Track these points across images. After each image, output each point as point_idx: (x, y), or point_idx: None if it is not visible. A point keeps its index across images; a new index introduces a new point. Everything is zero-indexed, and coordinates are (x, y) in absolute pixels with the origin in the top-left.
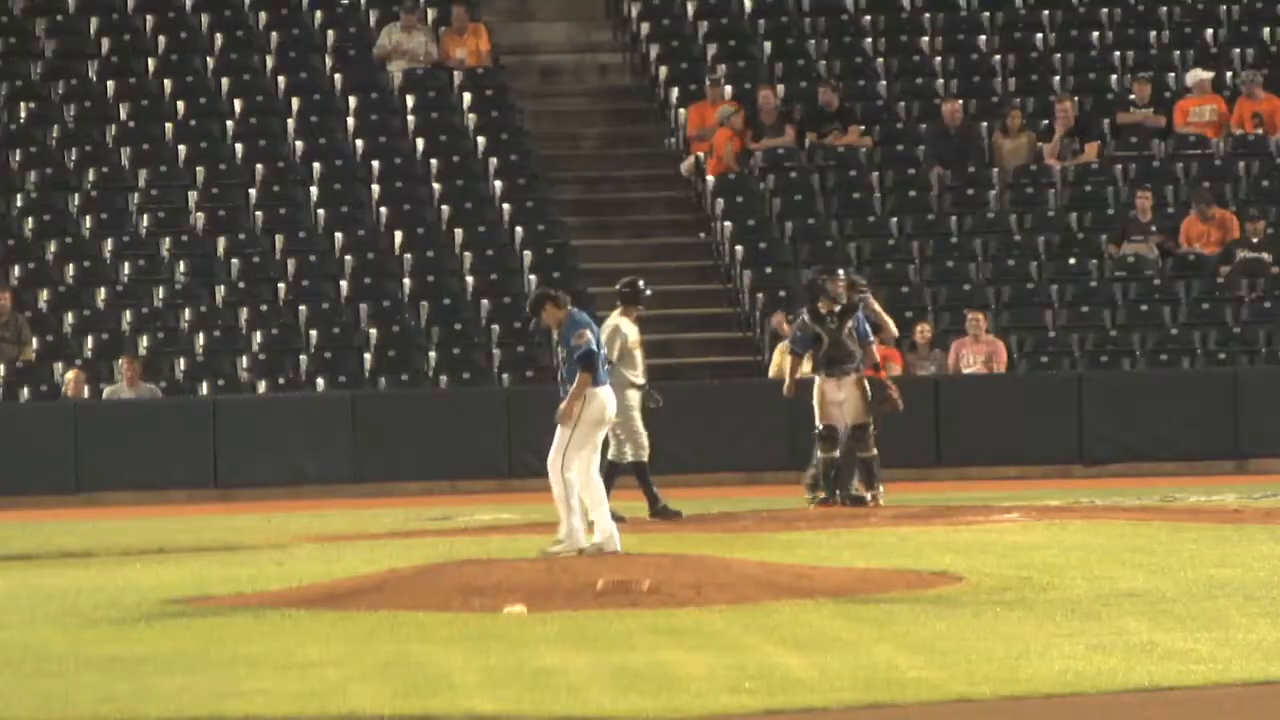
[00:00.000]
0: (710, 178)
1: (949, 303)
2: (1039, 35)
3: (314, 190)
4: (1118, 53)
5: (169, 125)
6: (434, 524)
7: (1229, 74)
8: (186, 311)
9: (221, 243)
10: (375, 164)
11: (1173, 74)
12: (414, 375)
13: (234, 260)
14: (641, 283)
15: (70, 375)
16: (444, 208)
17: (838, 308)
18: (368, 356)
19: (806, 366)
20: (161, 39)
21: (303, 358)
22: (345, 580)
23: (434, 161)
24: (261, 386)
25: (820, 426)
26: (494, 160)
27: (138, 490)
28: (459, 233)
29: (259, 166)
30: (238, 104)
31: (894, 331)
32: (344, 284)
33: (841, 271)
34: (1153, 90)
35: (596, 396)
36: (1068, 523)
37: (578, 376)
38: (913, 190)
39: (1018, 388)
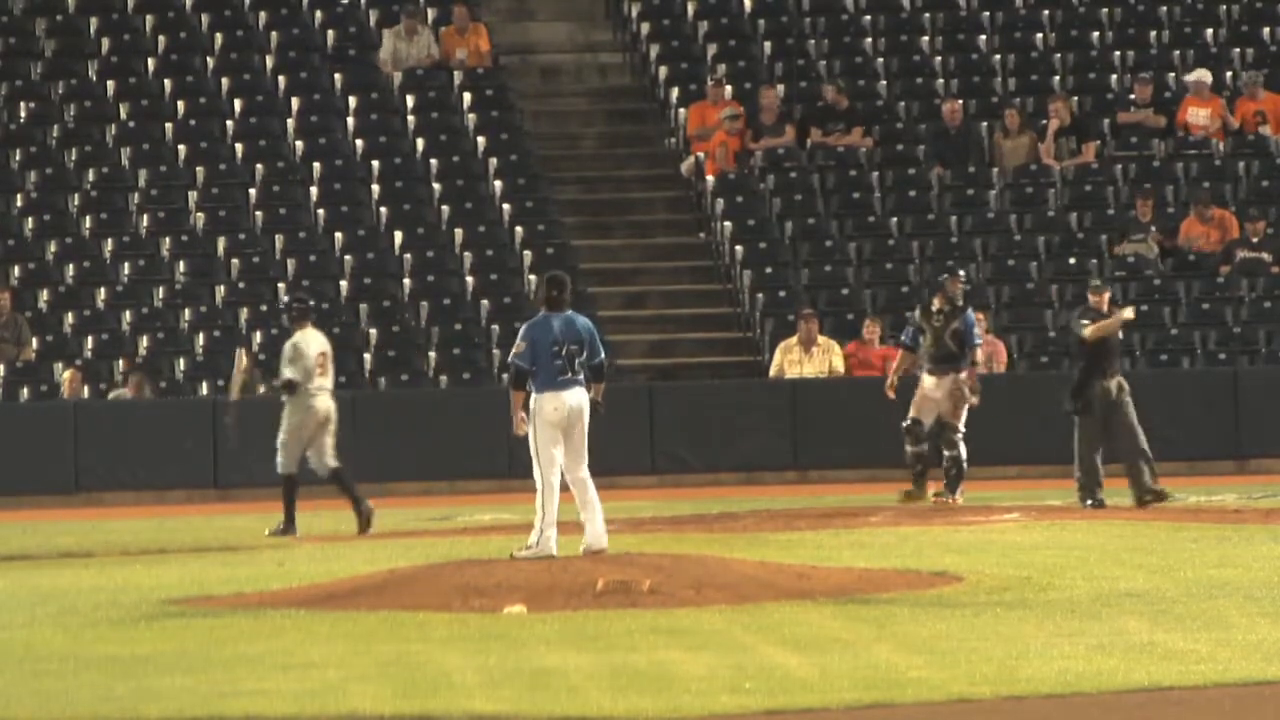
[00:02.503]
0: (710, 178)
1: None
2: (1039, 35)
3: (314, 190)
4: (1118, 53)
5: (169, 125)
6: (434, 524)
7: (1228, 74)
8: (186, 311)
9: (221, 243)
10: (375, 164)
11: (1173, 74)
12: (414, 375)
13: (234, 260)
14: (312, 301)
15: (68, 375)
16: (444, 208)
17: (948, 307)
18: (368, 356)
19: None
20: (161, 39)
21: None
22: (345, 580)
23: (434, 161)
24: (261, 387)
25: (908, 420)
26: (494, 160)
27: (138, 490)
28: (459, 233)
29: (259, 166)
30: (238, 104)
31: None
32: (344, 284)
33: (963, 274)
34: (1153, 90)
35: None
36: (1068, 523)
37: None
38: (913, 190)
39: (1018, 388)
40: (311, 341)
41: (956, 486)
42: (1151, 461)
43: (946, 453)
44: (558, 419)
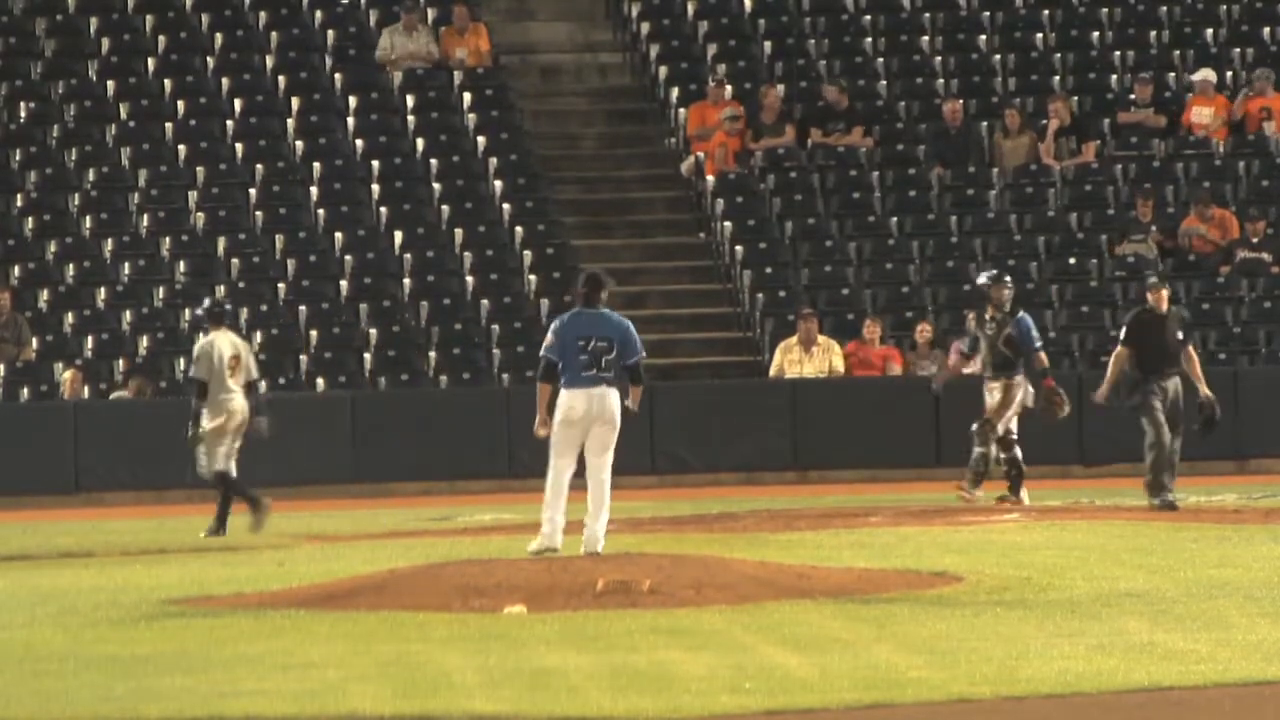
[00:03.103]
0: (710, 178)
1: (949, 303)
2: (1039, 35)
3: (314, 190)
4: (1118, 53)
5: (169, 125)
6: (434, 524)
7: (1229, 74)
8: (186, 311)
9: (221, 243)
10: (375, 164)
11: (1173, 74)
12: (414, 375)
13: (234, 260)
14: (229, 306)
15: (67, 375)
16: (444, 208)
17: (999, 314)
18: (368, 356)
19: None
20: (161, 39)
21: (303, 358)
22: (345, 580)
23: (434, 161)
24: (262, 387)
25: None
26: (494, 160)
27: (138, 490)
28: (459, 233)
29: (259, 166)
30: (238, 104)
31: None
32: (344, 284)
33: (1009, 279)
34: (1153, 90)
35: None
36: (1068, 523)
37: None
38: (913, 190)
39: None
40: (224, 344)
41: (978, 482)
42: (1174, 472)
43: (975, 448)
44: (576, 417)
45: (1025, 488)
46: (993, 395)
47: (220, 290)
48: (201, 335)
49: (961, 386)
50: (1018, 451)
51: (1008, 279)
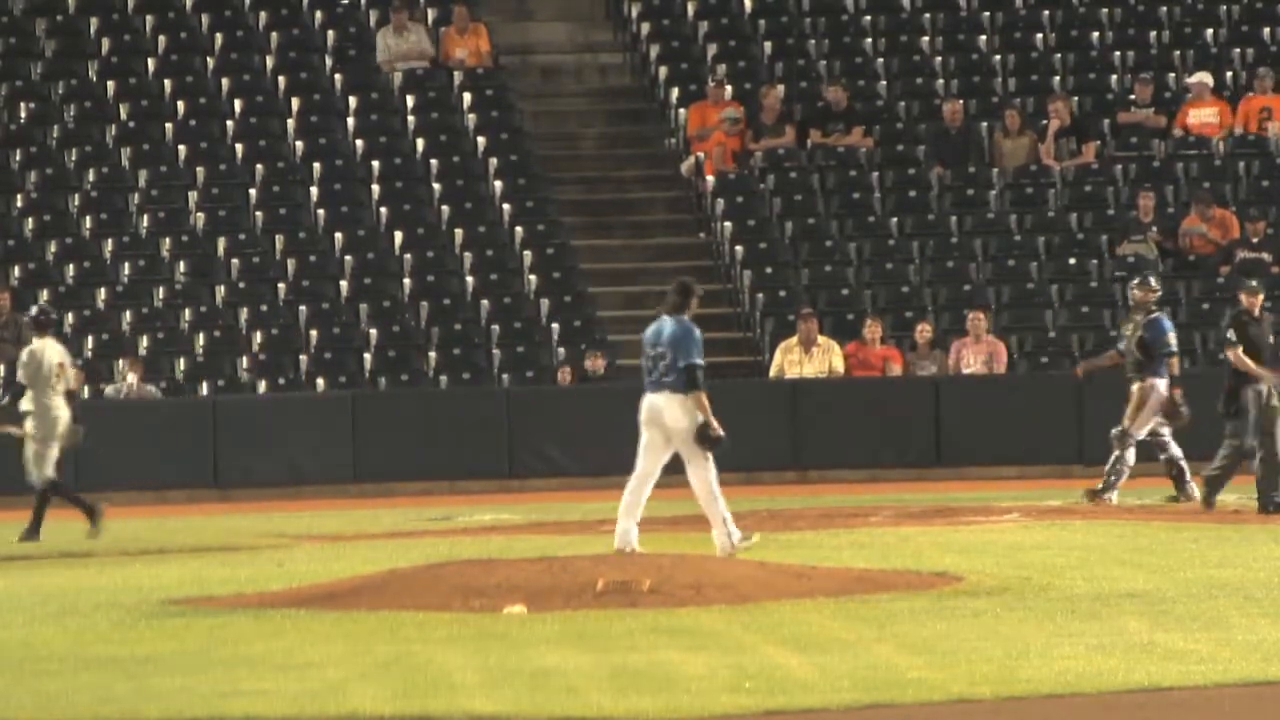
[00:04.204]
0: (710, 178)
1: (949, 303)
2: (1039, 35)
3: (314, 190)
4: (1118, 53)
5: (169, 125)
6: (434, 524)
7: (1229, 74)
8: (186, 311)
9: (221, 243)
10: (375, 164)
11: (1173, 74)
12: (414, 375)
13: (234, 260)
14: (54, 315)
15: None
16: (444, 208)
17: (1140, 315)
18: (368, 356)
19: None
20: (161, 39)
21: (303, 358)
22: (345, 580)
23: (434, 161)
24: (261, 386)
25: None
26: (494, 160)
27: (138, 490)
28: (459, 233)
29: (259, 166)
30: (238, 104)
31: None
32: (344, 284)
33: (1153, 280)
34: (1153, 90)
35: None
36: (1068, 523)
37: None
38: (913, 190)
39: (1018, 388)
40: (52, 352)
41: (1109, 486)
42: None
43: (1114, 452)
44: (644, 419)
45: (1193, 482)
46: (1132, 399)
47: (220, 290)
48: (31, 342)
49: (963, 384)
50: (1174, 450)
51: (1151, 280)
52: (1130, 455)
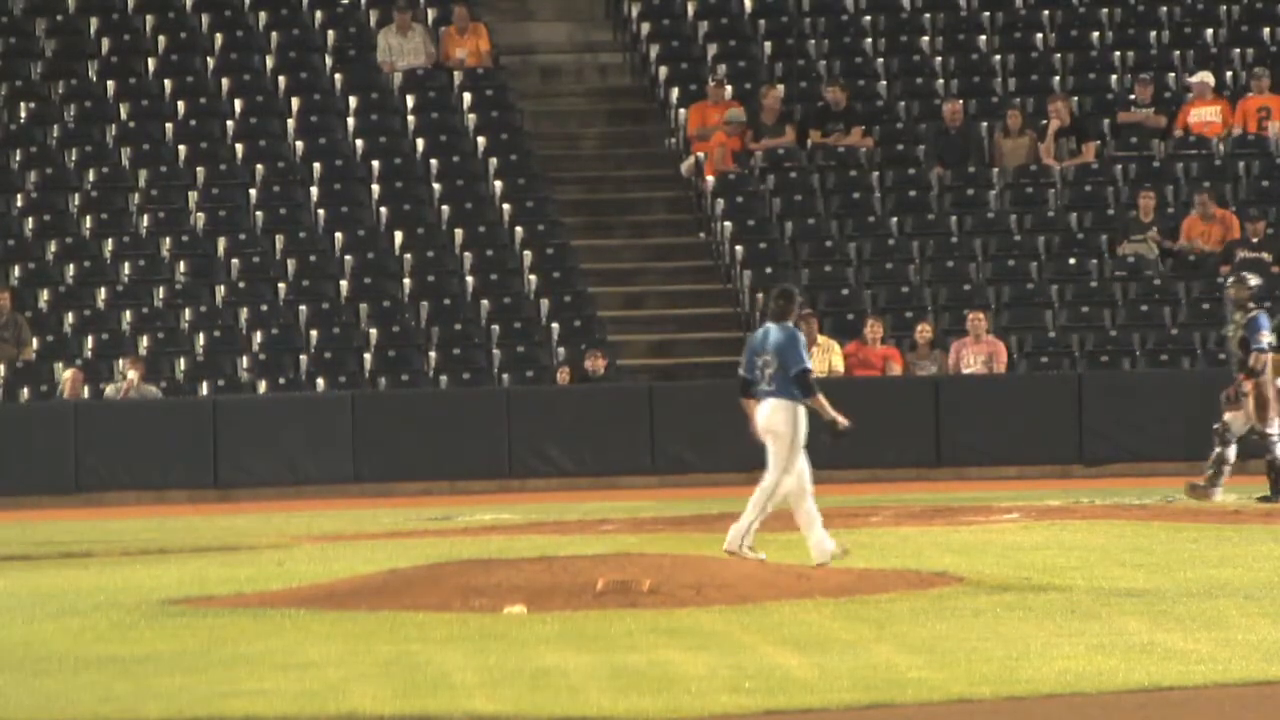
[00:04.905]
0: (710, 178)
1: (949, 303)
2: (1039, 35)
3: (314, 190)
4: (1118, 53)
5: (169, 125)
6: (434, 524)
7: (1228, 74)
8: (186, 311)
9: (221, 243)
10: (375, 164)
11: (1173, 74)
12: (414, 375)
13: (234, 260)
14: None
15: (67, 375)
16: (444, 208)
17: (1239, 312)
18: (368, 356)
19: None
20: (161, 39)
21: (303, 358)
22: (345, 580)
23: (434, 161)
24: (261, 386)
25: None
26: (494, 160)
27: (138, 490)
28: (459, 233)
29: (259, 166)
30: (238, 104)
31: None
32: (344, 284)
33: (1250, 278)
34: (1153, 90)
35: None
36: (1068, 523)
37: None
38: (913, 190)
39: (1018, 388)
40: None
41: (1214, 484)
42: None
43: (1215, 448)
44: (760, 429)
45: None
46: (1247, 398)
47: (220, 290)
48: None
49: (963, 384)
50: (1276, 451)
51: (1247, 278)
52: (1231, 451)
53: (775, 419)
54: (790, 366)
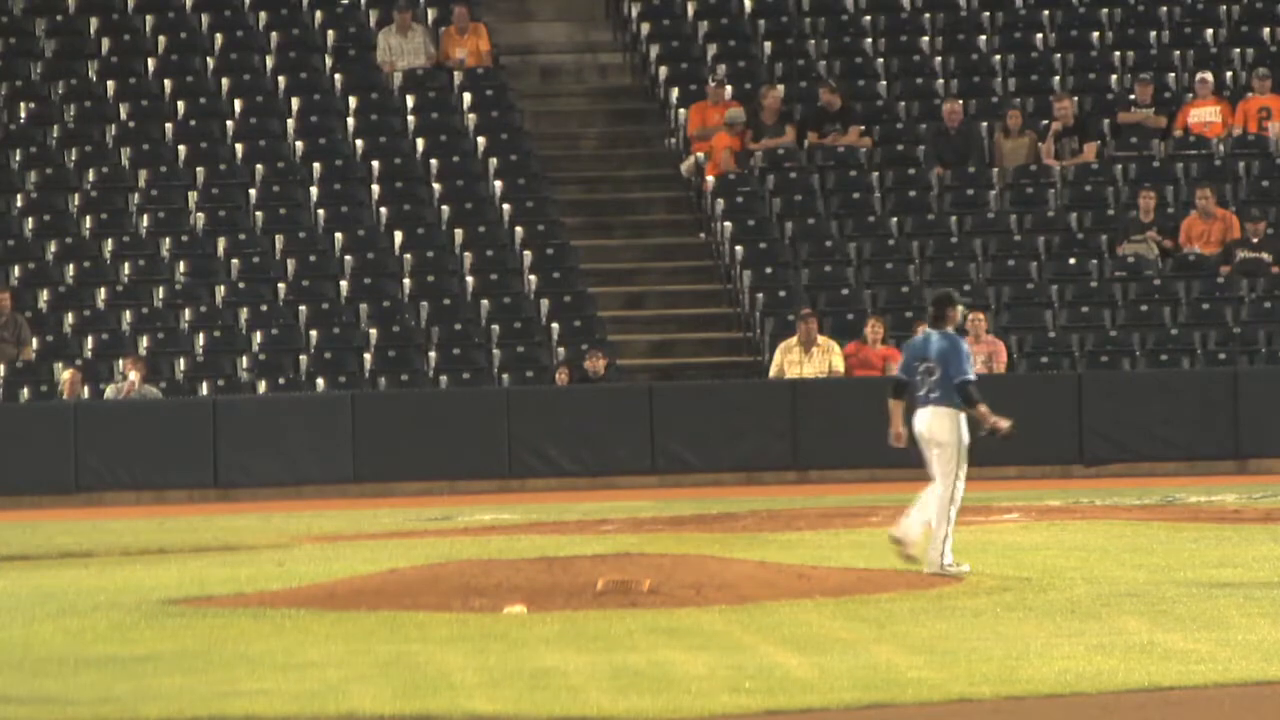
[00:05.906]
0: (710, 178)
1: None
2: (1039, 35)
3: (314, 190)
4: (1118, 53)
5: (169, 125)
6: (434, 524)
7: (1229, 74)
8: (186, 311)
9: (221, 243)
10: (375, 164)
11: (1173, 74)
12: (414, 375)
13: (234, 260)
14: None
15: (66, 375)
16: (444, 208)
17: None
18: (368, 356)
19: None
20: (161, 39)
21: (303, 358)
22: (345, 580)
23: (434, 161)
24: (261, 386)
25: None
26: (494, 160)
27: (138, 490)
28: (459, 233)
29: (259, 166)
30: (238, 104)
31: None
32: (344, 284)
33: None
34: (1153, 90)
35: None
36: (1068, 523)
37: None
38: (913, 190)
39: (1018, 388)
40: None
41: None
42: None
43: None
44: (919, 437)
45: None
46: None
47: (220, 290)
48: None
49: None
50: None
51: None
52: None
53: (938, 426)
54: (955, 376)
